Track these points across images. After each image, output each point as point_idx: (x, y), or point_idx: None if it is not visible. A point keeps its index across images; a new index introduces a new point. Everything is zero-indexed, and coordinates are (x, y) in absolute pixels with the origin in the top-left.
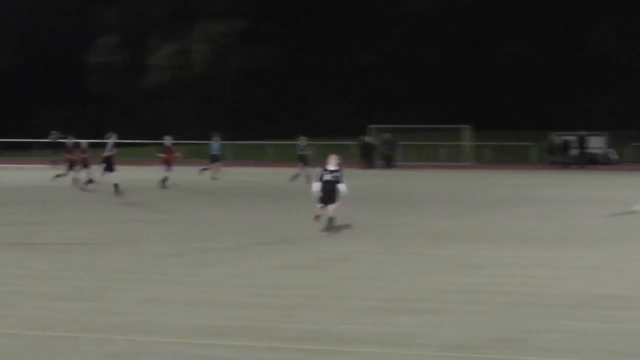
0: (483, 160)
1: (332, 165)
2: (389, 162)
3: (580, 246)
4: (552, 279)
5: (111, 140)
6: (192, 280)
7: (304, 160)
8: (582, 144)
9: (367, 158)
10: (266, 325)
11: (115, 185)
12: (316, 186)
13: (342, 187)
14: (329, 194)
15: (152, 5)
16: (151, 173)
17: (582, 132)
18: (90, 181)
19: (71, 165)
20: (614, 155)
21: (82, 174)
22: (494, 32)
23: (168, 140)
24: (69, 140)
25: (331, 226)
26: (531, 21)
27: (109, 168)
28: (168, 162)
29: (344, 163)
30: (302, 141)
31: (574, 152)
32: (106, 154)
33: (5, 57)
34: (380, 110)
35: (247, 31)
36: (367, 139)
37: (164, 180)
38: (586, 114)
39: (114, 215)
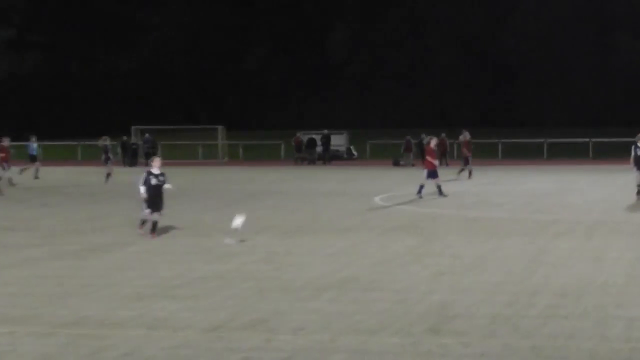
0: (236, 158)
1: (156, 169)
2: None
3: (322, 235)
4: (298, 265)
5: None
6: None
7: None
8: (325, 141)
9: (129, 157)
10: (40, 312)
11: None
12: (143, 190)
13: (167, 186)
14: (157, 199)
15: None
16: None
17: (326, 131)
18: None
19: None
20: (354, 151)
21: None
22: (242, 42)
23: (6, 141)
24: None
25: (155, 230)
26: (276, 30)
27: None
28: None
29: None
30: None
31: (319, 149)
32: None
33: None
34: (140, 112)
35: (14, 39)
36: (128, 139)
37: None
38: (329, 114)
39: None
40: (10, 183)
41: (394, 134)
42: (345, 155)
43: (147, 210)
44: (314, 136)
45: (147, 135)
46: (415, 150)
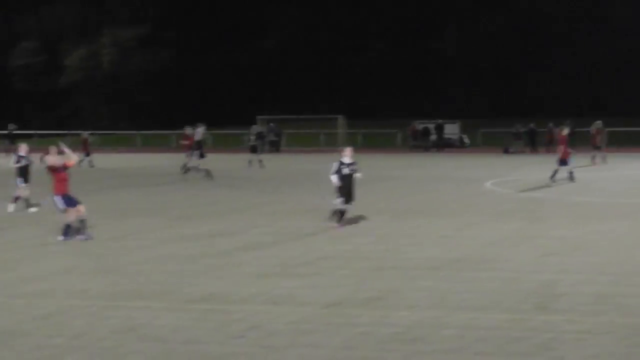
0: (355, 145)
1: (347, 158)
2: (276, 148)
3: (435, 217)
4: (412, 246)
5: (201, 128)
6: (103, 251)
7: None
8: (439, 130)
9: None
10: (173, 289)
11: (207, 170)
12: (335, 179)
13: (358, 175)
14: (349, 188)
15: (66, 13)
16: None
17: (440, 120)
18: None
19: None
20: (466, 139)
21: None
22: (361, 37)
23: (189, 130)
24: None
25: (343, 220)
26: (392, 24)
27: (201, 154)
28: (190, 148)
29: (239, 149)
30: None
31: (433, 137)
32: (197, 138)
33: None
34: (266, 103)
35: (148, 36)
36: (257, 127)
37: (184, 165)
38: (443, 105)
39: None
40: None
41: (503, 123)
42: (457, 143)
43: (340, 200)
44: (428, 125)
45: (271, 124)
46: (525, 138)
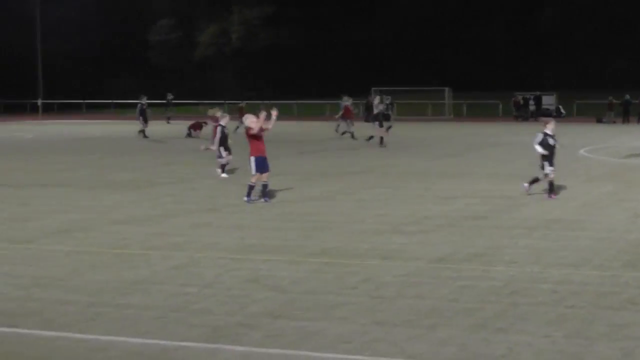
0: (460, 115)
1: (551, 130)
2: (387, 118)
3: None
4: (512, 207)
5: (377, 99)
6: (232, 208)
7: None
8: (537, 101)
9: (369, 114)
10: (293, 244)
11: (381, 139)
12: (540, 148)
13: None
14: (553, 158)
15: None
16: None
17: (538, 92)
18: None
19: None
20: (562, 110)
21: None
22: (467, 13)
23: (346, 100)
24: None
25: (554, 190)
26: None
27: (380, 123)
28: (348, 117)
29: (355, 117)
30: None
31: (532, 107)
32: (376, 110)
33: (86, 36)
34: (380, 74)
35: (273, 14)
36: (370, 98)
37: (347, 132)
38: (541, 77)
39: (173, 158)
40: (353, 137)
41: (597, 95)
42: (554, 114)
43: (550, 169)
44: (527, 96)
45: (385, 95)
46: (617, 109)
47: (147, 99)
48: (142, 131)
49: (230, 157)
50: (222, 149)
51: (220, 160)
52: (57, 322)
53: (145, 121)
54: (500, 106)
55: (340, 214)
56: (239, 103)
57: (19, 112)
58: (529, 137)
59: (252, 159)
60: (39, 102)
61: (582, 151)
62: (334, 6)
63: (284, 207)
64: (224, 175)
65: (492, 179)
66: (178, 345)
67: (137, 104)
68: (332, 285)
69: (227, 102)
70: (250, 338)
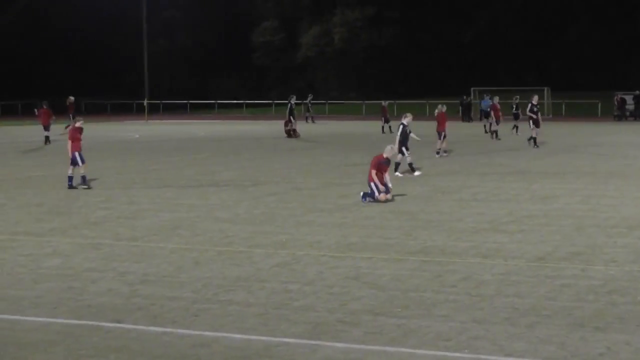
0: (559, 114)
1: None
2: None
3: (633, 179)
4: (613, 206)
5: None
6: (333, 207)
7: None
8: (638, 100)
9: (467, 114)
10: (394, 242)
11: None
12: None
13: None
14: None
15: None
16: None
17: (638, 92)
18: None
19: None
20: None
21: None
22: (566, 13)
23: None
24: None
25: None
26: (592, 5)
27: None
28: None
29: (449, 117)
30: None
31: (630, 107)
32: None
33: (191, 38)
34: (477, 75)
35: (374, 16)
36: (467, 98)
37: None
38: None
39: (285, 158)
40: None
41: None
42: None
43: None
44: (624, 96)
45: (485, 95)
46: None
47: (296, 99)
48: (294, 130)
49: (409, 157)
50: (404, 148)
51: (403, 158)
52: (161, 318)
53: (294, 120)
54: (600, 105)
55: (439, 213)
56: (382, 102)
57: (125, 113)
58: (628, 136)
59: None
60: (145, 102)
61: None
62: (435, 7)
63: (384, 206)
64: (397, 174)
65: (592, 178)
66: (280, 342)
67: (242, 104)
68: (432, 284)
69: (328, 101)
70: (351, 335)
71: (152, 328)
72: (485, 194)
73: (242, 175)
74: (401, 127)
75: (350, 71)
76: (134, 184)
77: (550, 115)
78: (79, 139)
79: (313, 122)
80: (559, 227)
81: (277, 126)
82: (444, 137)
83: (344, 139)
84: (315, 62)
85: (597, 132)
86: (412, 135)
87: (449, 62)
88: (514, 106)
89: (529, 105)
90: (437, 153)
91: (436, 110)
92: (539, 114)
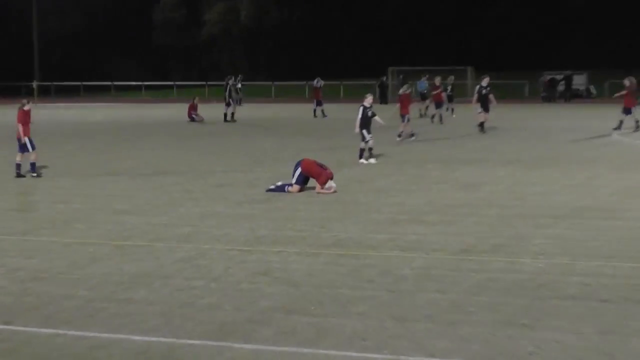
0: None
1: None
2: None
3: (562, 167)
4: (540, 194)
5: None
6: (241, 197)
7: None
8: (568, 81)
9: (381, 95)
10: (307, 234)
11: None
12: None
13: None
14: None
15: None
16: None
17: (568, 71)
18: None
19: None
20: (594, 90)
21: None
22: None
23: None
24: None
25: None
26: None
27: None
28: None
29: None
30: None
31: (561, 88)
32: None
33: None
34: (396, 55)
35: None
36: (384, 79)
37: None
38: (570, 56)
39: (175, 144)
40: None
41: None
42: (585, 94)
43: None
44: (555, 76)
45: (401, 76)
46: None
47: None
48: (232, 114)
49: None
50: (365, 131)
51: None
52: (55, 318)
53: (232, 102)
54: (527, 87)
55: (354, 203)
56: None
57: (12, 95)
58: (556, 120)
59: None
60: (34, 84)
61: (615, 135)
62: None
63: (294, 196)
64: (362, 160)
65: (518, 165)
66: (183, 343)
67: (140, 86)
68: (348, 279)
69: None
70: (261, 335)
71: (44, 330)
72: (404, 183)
73: (143, 164)
74: (362, 108)
75: (259, 51)
76: (25, 173)
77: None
78: (29, 123)
79: (240, 104)
80: (483, 217)
81: (179, 110)
82: (408, 120)
83: (256, 123)
84: (220, 41)
85: (524, 115)
86: (376, 118)
87: (365, 42)
88: (448, 88)
89: (478, 87)
90: (399, 136)
91: (400, 91)
92: (491, 96)
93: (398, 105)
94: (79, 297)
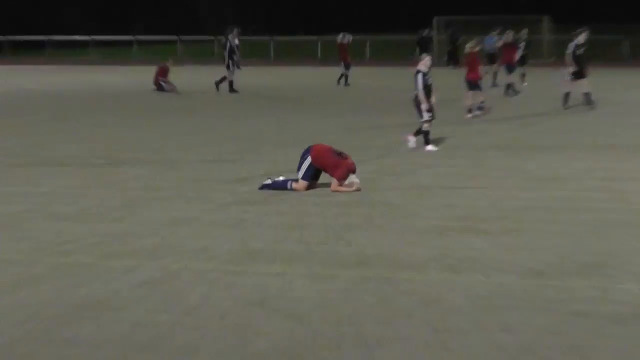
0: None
1: None
2: (454, 60)
3: None
4: None
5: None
6: (228, 196)
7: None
8: None
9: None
10: (318, 249)
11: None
12: None
13: None
14: None
15: None
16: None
17: None
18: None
19: None
20: None
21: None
22: None
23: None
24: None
25: None
26: None
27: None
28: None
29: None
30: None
31: None
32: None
33: None
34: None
35: None
36: (427, 32)
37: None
38: None
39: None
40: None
41: None
42: None
43: None
44: None
45: (450, 29)
46: None
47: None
48: (229, 81)
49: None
50: (423, 107)
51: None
52: None
53: (232, 66)
54: (626, 44)
55: (384, 205)
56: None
57: None
58: None
59: None
60: None
61: None
62: None
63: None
64: (430, 147)
65: (611, 152)
66: None
67: (87, 41)
68: (376, 311)
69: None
70: None
71: None
72: (455, 177)
73: (92, 150)
74: (420, 76)
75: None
76: None
77: (553, 59)
78: None
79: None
80: (566, 226)
81: (143, 76)
82: (480, 88)
83: (249, 94)
84: None
85: (622, 84)
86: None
87: None
88: (521, 45)
89: (572, 46)
90: (469, 112)
91: (467, 48)
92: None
93: (466, 67)
94: (0, 335)
